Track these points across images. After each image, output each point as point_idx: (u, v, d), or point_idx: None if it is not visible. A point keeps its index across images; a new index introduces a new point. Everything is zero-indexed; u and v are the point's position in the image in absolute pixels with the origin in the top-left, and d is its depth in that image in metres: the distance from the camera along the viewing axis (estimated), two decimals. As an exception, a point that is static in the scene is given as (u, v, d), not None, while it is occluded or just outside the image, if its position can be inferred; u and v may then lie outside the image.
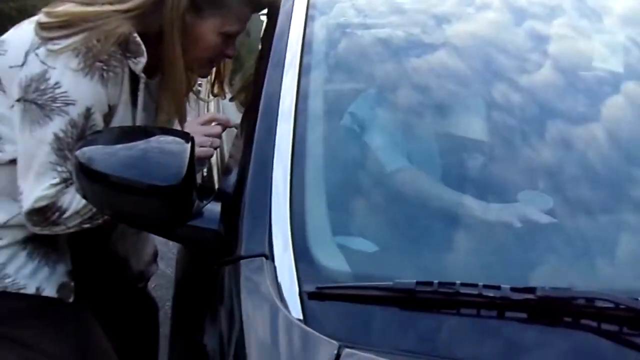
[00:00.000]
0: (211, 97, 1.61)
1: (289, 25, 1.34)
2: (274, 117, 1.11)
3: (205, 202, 1.06)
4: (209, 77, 1.55)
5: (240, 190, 1.04)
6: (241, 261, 0.95)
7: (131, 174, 0.99)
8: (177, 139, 1.04)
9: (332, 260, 0.96)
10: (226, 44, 1.36)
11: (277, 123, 1.10)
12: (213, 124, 1.46)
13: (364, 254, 1.03)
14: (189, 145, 1.02)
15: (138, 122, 1.32)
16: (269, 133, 1.10)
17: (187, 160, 1.00)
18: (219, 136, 1.43)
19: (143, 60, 1.24)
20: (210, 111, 1.55)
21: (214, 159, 1.57)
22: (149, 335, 1.78)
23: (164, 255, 2.35)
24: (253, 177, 1.04)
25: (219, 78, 1.53)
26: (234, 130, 1.47)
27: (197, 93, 1.62)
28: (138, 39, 1.23)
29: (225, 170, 1.34)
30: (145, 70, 1.29)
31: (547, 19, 1.58)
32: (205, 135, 1.38)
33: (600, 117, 1.30)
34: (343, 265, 0.97)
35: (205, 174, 1.69)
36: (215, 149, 1.42)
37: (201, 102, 1.78)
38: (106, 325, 1.47)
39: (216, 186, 1.53)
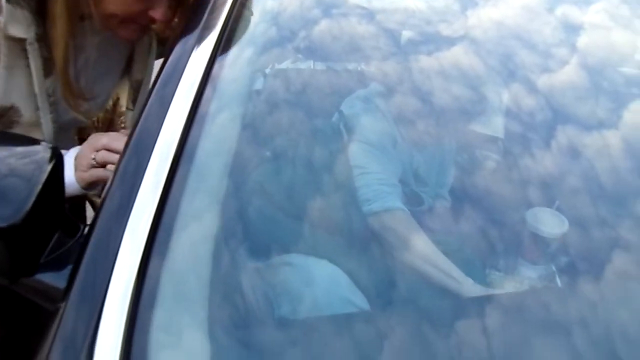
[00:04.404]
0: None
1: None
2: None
3: (70, 242, 0.77)
4: None
5: (84, 245, 0.68)
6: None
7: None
8: (37, 156, 0.76)
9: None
10: (150, 1, 1.02)
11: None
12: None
13: None
14: (47, 167, 0.74)
15: (37, 90, 1.07)
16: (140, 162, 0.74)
17: (37, 188, 0.71)
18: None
19: (1, 19, 0.98)
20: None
21: None
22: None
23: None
24: (96, 237, 0.68)
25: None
26: None
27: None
28: None
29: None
30: None
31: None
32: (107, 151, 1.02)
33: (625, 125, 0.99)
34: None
35: None
36: None
37: None
38: None
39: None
